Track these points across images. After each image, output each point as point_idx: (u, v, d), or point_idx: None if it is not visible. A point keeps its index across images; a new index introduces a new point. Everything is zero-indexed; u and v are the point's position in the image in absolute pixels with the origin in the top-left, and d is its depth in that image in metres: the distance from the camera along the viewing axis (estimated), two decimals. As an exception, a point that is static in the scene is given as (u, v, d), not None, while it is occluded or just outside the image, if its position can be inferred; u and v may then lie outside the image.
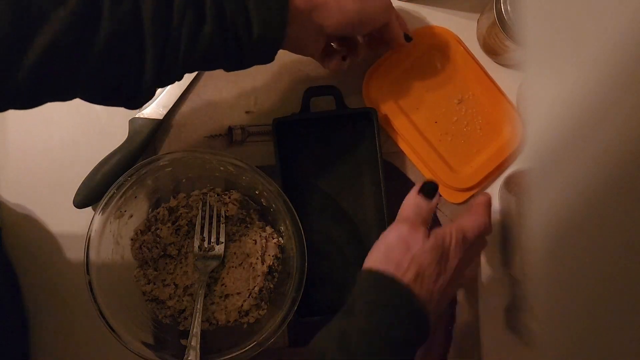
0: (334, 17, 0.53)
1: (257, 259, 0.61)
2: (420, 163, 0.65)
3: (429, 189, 0.55)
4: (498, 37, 0.61)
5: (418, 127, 0.65)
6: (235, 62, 0.51)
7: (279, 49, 0.52)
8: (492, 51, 0.65)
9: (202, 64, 0.50)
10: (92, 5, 0.43)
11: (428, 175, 0.65)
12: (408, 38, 0.62)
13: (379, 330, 0.48)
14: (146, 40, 0.45)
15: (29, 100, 0.46)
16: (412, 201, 0.55)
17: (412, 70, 0.65)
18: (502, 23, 0.59)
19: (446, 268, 0.52)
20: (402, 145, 0.65)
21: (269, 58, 0.53)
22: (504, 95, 0.66)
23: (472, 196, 0.66)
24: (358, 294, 0.51)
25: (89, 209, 0.63)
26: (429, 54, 0.65)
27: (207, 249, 0.62)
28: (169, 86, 0.64)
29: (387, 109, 0.64)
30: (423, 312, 0.50)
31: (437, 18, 0.67)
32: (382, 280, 0.50)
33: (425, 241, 0.51)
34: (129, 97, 0.48)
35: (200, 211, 0.62)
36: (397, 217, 0.55)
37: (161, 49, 0.46)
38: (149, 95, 0.49)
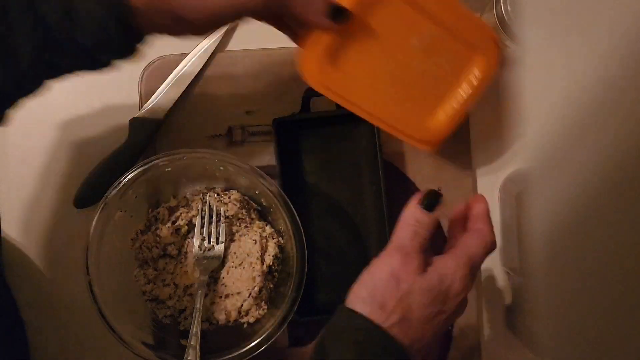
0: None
1: (257, 259, 0.61)
2: (387, 127, 0.56)
3: (430, 200, 0.48)
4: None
5: (375, 87, 0.55)
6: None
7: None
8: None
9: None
10: None
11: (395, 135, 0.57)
12: (338, 13, 0.47)
13: None
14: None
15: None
16: (410, 216, 0.48)
17: (352, 28, 0.51)
18: (502, 23, 0.59)
19: (445, 308, 0.46)
20: (361, 113, 0.56)
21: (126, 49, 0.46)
22: (473, 15, 0.55)
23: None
24: (333, 332, 0.46)
25: (89, 209, 0.63)
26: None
27: (207, 249, 0.62)
28: (169, 86, 0.64)
29: (336, 85, 0.54)
30: (405, 355, 0.44)
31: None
32: (361, 324, 0.44)
33: (419, 277, 0.45)
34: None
35: (200, 211, 0.62)
36: (392, 240, 0.48)
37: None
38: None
